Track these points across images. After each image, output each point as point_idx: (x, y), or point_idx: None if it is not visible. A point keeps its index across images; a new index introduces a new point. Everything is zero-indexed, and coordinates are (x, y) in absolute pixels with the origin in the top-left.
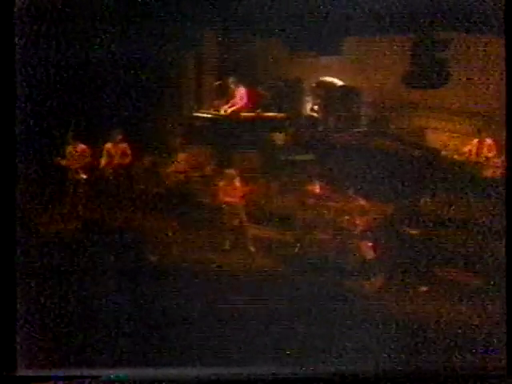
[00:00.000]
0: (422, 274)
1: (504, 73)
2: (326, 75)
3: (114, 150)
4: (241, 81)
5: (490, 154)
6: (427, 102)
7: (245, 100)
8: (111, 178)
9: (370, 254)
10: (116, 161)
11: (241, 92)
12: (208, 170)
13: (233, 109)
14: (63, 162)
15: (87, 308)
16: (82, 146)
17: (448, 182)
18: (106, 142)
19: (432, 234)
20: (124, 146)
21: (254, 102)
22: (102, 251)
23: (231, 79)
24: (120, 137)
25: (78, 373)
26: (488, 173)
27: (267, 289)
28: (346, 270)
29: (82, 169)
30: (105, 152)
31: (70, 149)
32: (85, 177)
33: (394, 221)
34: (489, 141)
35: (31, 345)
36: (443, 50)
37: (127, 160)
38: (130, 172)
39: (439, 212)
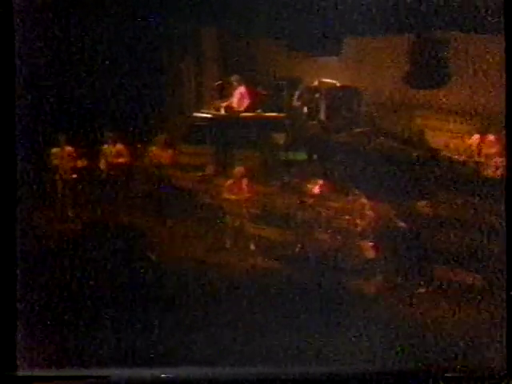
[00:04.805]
0: (422, 274)
1: (504, 73)
2: (325, 75)
3: (111, 150)
4: (241, 80)
5: (491, 152)
6: (427, 102)
7: (245, 99)
8: (109, 178)
9: (370, 254)
10: (114, 162)
11: (240, 91)
12: (208, 169)
13: (226, 104)
14: (58, 163)
15: (88, 308)
16: (75, 148)
17: (448, 181)
18: (103, 143)
19: (432, 234)
20: (120, 147)
21: (253, 101)
22: (103, 251)
23: (231, 78)
24: (117, 138)
25: (78, 373)
26: (488, 172)
27: (267, 289)
28: (346, 269)
29: (79, 169)
30: (102, 153)
31: (64, 150)
32: (83, 177)
33: (394, 221)
34: (490, 137)
35: (31, 344)
36: (443, 50)
37: (124, 160)
38: (128, 172)
39: (439, 212)
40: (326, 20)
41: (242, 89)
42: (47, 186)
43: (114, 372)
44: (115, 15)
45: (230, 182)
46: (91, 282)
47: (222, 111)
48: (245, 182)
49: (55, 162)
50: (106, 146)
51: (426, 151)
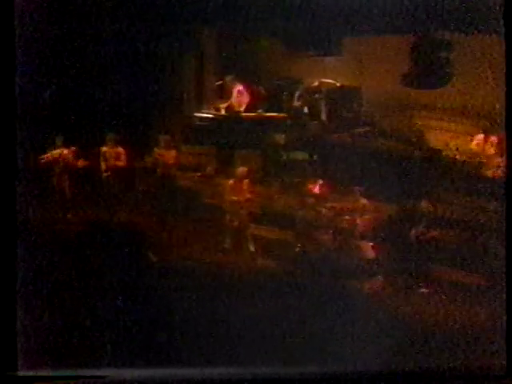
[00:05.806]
0: (422, 274)
1: (504, 73)
2: (326, 75)
3: (110, 152)
4: (240, 80)
5: (491, 151)
6: (427, 102)
7: (244, 97)
8: (110, 179)
9: (370, 254)
10: (114, 163)
11: (238, 89)
12: (209, 169)
13: (226, 105)
14: (58, 164)
15: (88, 307)
16: (75, 148)
17: (448, 181)
18: (102, 144)
19: (432, 234)
20: (119, 149)
21: (252, 98)
22: (103, 251)
23: (229, 77)
24: (116, 139)
25: (79, 373)
26: (489, 172)
27: (267, 289)
28: (346, 269)
29: (79, 170)
30: (102, 154)
31: (63, 151)
32: (83, 178)
33: (395, 221)
34: (490, 137)
35: (32, 344)
36: (443, 50)
37: (124, 161)
38: (128, 173)
39: (439, 212)
40: (327, 20)
41: (239, 86)
42: (47, 187)
43: (114, 372)
44: (115, 15)
45: (231, 182)
46: (91, 283)
47: (223, 112)
48: (246, 182)
49: (55, 162)
50: (106, 147)
51: (426, 151)
